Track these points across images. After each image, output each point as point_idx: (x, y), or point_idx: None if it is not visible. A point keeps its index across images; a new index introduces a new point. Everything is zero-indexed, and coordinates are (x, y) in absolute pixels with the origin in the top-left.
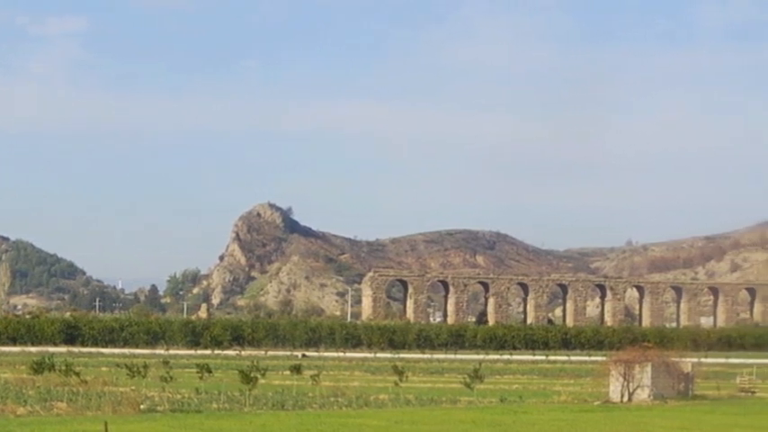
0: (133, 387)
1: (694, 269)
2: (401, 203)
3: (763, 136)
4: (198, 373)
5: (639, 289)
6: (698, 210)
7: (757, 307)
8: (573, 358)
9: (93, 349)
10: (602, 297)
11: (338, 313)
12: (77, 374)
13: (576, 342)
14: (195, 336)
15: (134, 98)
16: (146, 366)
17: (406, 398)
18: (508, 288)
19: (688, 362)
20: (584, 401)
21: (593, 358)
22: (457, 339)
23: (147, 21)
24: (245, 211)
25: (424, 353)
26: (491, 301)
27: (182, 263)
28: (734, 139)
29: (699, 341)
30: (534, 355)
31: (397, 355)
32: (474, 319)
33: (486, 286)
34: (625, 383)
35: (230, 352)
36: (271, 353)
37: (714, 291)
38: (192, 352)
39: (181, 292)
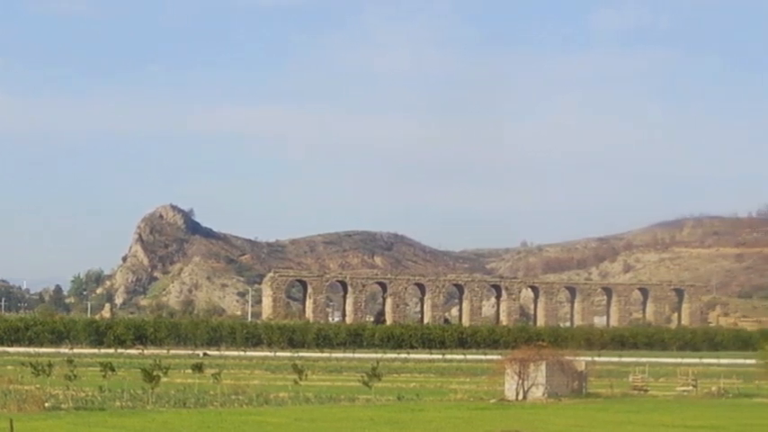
0: (38, 385)
1: (588, 270)
2: (301, 205)
3: (655, 138)
4: (101, 371)
5: (534, 289)
6: (591, 211)
7: (649, 307)
8: (469, 357)
9: None
10: (498, 297)
11: (239, 313)
12: None
13: (472, 341)
14: (99, 335)
15: (39, 101)
16: (50, 365)
17: (305, 396)
18: (405, 288)
19: (582, 360)
20: (479, 399)
21: (488, 357)
22: (355, 338)
23: (53, 26)
24: (148, 212)
25: (323, 352)
26: (389, 301)
27: (85, 263)
28: (627, 142)
29: (592, 340)
30: (431, 353)
31: (296, 354)
32: (372, 319)
33: (383, 286)
34: (520, 382)
35: (133, 351)
36: (173, 352)
37: (607, 291)
38: (95, 351)
39: (85, 293)
